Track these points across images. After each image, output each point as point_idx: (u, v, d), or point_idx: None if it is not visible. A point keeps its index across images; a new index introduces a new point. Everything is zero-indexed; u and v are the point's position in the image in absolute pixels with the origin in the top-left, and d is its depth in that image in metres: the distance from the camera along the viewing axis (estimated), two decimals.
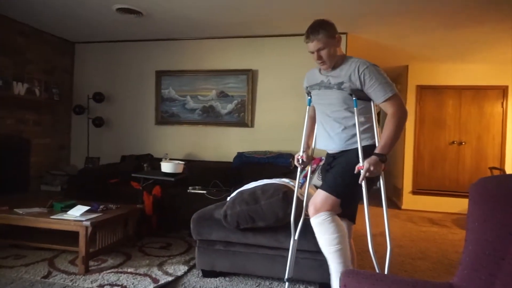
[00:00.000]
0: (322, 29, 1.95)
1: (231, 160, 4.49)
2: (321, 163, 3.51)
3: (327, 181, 2.02)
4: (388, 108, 1.92)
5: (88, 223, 2.58)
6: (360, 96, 1.96)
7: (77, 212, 2.77)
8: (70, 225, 2.63)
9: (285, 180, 2.74)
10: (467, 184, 5.69)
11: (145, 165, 4.27)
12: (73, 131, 5.24)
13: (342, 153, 2.04)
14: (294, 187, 2.64)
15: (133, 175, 3.56)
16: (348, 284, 1.31)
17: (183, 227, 3.74)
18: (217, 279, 2.66)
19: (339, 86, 1.99)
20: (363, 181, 1.88)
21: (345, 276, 1.35)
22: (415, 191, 5.85)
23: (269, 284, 2.59)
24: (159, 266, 2.83)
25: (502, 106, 5.65)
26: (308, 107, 2.30)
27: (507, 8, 3.47)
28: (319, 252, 2.43)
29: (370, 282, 1.32)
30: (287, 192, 2.41)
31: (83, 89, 5.12)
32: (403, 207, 5.87)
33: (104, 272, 2.66)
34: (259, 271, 2.60)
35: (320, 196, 1.98)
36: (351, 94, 1.96)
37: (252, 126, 4.67)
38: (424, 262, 3.22)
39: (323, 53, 1.96)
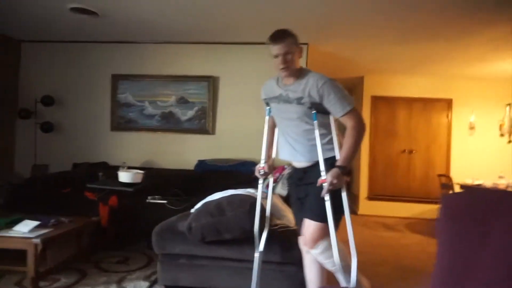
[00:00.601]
0: (288, 34, 1.95)
1: (192, 168, 4.38)
2: (285, 172, 3.54)
3: (311, 208, 1.98)
4: (347, 122, 1.95)
5: (37, 240, 2.36)
6: (319, 109, 1.97)
7: (25, 228, 2.54)
8: (17, 243, 2.40)
9: (250, 191, 2.71)
10: (417, 190, 6.01)
11: (100, 173, 4.02)
12: (18, 136, 4.84)
13: (312, 168, 2.02)
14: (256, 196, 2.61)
15: (88, 185, 3.33)
16: None
17: (141, 239, 3.58)
18: None
19: (299, 101, 1.99)
20: (327, 195, 1.88)
21: None
22: (370, 197, 6.07)
23: None
24: (117, 283, 2.67)
25: (447, 118, 6.05)
26: (267, 117, 2.27)
27: (459, 27, 3.71)
28: (285, 263, 2.44)
29: None
30: (254, 204, 2.37)
31: (30, 92, 4.75)
32: (359, 212, 6.07)
33: None
34: (225, 285, 2.53)
35: (312, 227, 1.96)
36: (310, 108, 1.96)
37: (213, 133, 4.60)
38: (383, 268, 3.33)
39: (289, 57, 1.93)
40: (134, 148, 4.66)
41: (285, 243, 2.43)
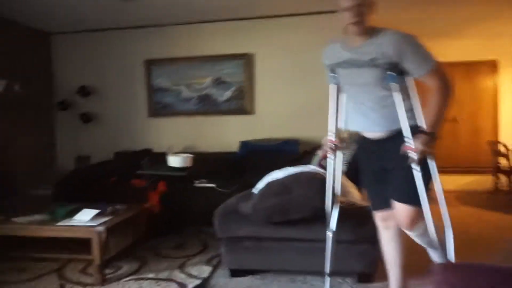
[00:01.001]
0: None
1: (232, 150, 4.28)
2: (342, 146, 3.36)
3: (401, 189, 1.81)
4: (432, 81, 1.74)
5: (101, 228, 2.32)
6: (396, 70, 1.77)
7: (85, 216, 2.51)
8: (81, 232, 2.37)
9: (311, 167, 2.57)
10: (464, 160, 5.74)
11: (142, 161, 3.97)
12: (58, 129, 4.85)
13: (390, 139, 1.85)
14: (325, 174, 2.48)
15: (138, 172, 3.28)
16: (449, 280, 1.16)
17: (193, 224, 3.53)
18: (247, 277, 2.49)
19: (373, 62, 1.78)
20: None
21: (443, 271, 1.20)
22: None
23: (304, 278, 2.44)
24: (180, 268, 2.62)
25: (493, 81, 5.70)
26: (331, 85, 2.06)
27: None
28: (356, 241, 2.31)
29: (470, 274, 1.18)
30: (323, 181, 2.24)
31: (66, 83, 4.72)
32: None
33: (123, 280, 2.43)
34: (293, 266, 2.45)
35: (407, 211, 1.81)
36: (387, 69, 1.77)
37: (252, 113, 4.46)
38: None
39: (363, 9, 1.72)
40: (173, 134, 4.59)
41: (355, 220, 2.30)
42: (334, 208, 2.06)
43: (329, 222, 2.05)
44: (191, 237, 3.30)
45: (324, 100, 4.14)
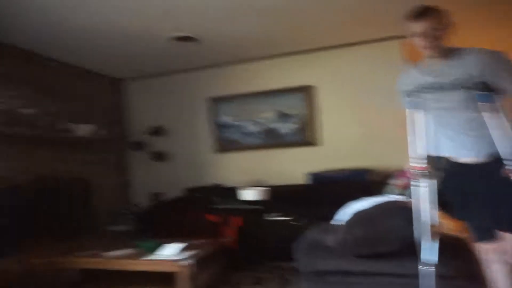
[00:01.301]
0: (436, 9, 1.72)
1: (299, 182, 4.25)
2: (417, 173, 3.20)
3: (510, 218, 1.69)
4: None
5: (190, 261, 2.37)
6: (486, 88, 1.67)
7: (169, 251, 2.58)
8: (168, 266, 2.43)
9: (394, 196, 2.47)
10: None
11: (214, 197, 4.06)
12: (133, 168, 5.16)
13: (485, 164, 1.73)
14: (408, 203, 2.36)
15: (215, 206, 3.35)
16: None
17: (267, 258, 3.48)
18: None
19: (457, 83, 1.71)
20: None
21: None
22: None
23: None
24: None
25: None
26: (408, 111, 1.99)
27: None
28: (449, 277, 2.13)
29: None
30: (409, 210, 2.13)
31: (138, 125, 5.07)
32: None
33: None
34: None
35: None
36: (475, 89, 1.67)
37: (317, 144, 4.43)
38: None
39: (435, 33, 1.68)
40: (239, 168, 4.68)
41: (452, 252, 2.13)
42: (432, 239, 1.92)
43: (419, 255, 1.90)
44: (268, 272, 3.25)
45: (392, 128, 4.08)
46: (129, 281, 2.77)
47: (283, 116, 4.54)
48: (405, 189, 3.19)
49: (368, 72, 4.23)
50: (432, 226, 1.94)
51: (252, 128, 4.65)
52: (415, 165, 1.95)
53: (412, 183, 1.97)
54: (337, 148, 4.35)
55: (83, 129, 4.16)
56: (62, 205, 3.91)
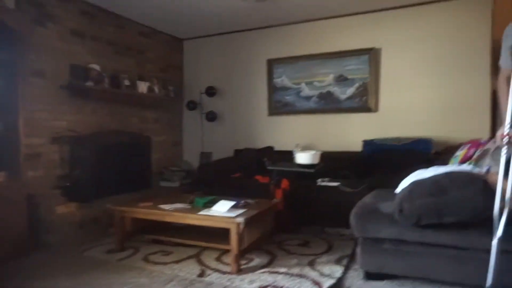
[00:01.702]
0: None
1: (353, 149, 4.11)
2: (486, 147, 2.94)
3: None
4: None
5: (241, 219, 2.38)
6: None
7: (223, 208, 2.61)
8: (221, 222, 2.47)
9: (465, 167, 2.27)
10: None
11: (265, 159, 4.04)
12: (185, 127, 5.28)
13: None
14: (481, 174, 2.16)
15: (269, 167, 3.33)
16: None
17: (315, 223, 3.45)
18: (384, 282, 2.30)
19: None
20: None
21: None
22: None
23: None
24: (310, 266, 2.55)
25: None
26: (506, 69, 1.76)
27: None
28: None
29: None
30: (485, 182, 1.94)
31: (194, 85, 5.12)
32: None
33: (258, 271, 2.46)
34: (441, 276, 2.17)
35: None
36: None
37: (376, 110, 4.20)
38: None
39: None
40: (293, 132, 4.60)
41: None
42: (504, 212, 1.75)
43: (496, 229, 1.76)
44: (315, 236, 3.22)
45: (462, 99, 3.75)
46: (185, 234, 2.87)
47: (343, 80, 4.33)
48: (475, 160, 2.95)
49: (440, 35, 3.86)
50: (504, 198, 1.76)
51: (308, 91, 4.50)
52: (506, 131, 1.75)
53: (500, 152, 1.77)
54: (397, 116, 4.10)
55: (143, 87, 4.27)
56: (127, 159, 4.13)
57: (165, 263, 2.61)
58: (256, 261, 2.65)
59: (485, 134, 3.55)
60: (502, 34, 2.19)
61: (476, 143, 3.03)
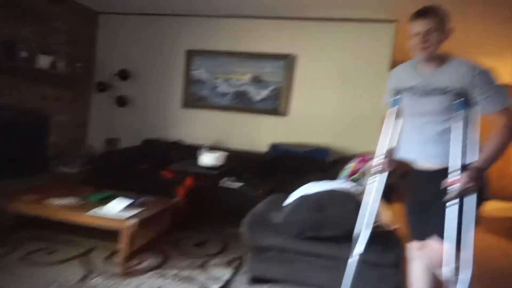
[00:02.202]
0: (439, 10, 1.68)
1: (261, 150, 4.25)
2: (366, 165, 3.26)
3: (442, 226, 1.69)
4: (500, 119, 1.66)
5: (133, 221, 2.34)
6: (466, 100, 1.68)
7: (116, 207, 2.53)
8: (113, 222, 2.40)
9: (346, 185, 2.50)
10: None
11: (173, 153, 4.00)
12: (93, 110, 4.94)
13: (443, 171, 1.74)
14: (357, 193, 2.41)
15: (171, 166, 3.29)
16: None
17: (215, 222, 3.53)
18: (266, 286, 2.46)
19: (442, 90, 1.70)
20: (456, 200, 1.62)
21: None
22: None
23: None
24: (201, 268, 2.62)
25: None
26: (392, 108, 1.96)
27: None
28: (380, 265, 2.25)
29: None
30: (358, 203, 2.17)
31: (107, 65, 4.78)
32: None
33: (147, 274, 2.44)
34: (314, 280, 2.40)
35: (443, 249, 1.69)
36: (456, 97, 1.66)
37: (286, 115, 4.39)
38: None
39: (434, 35, 1.65)
40: (204, 127, 4.59)
41: (383, 243, 2.24)
42: (366, 230, 1.97)
43: (354, 246, 1.94)
44: (213, 235, 3.30)
45: (361, 113, 4.09)
46: (75, 230, 2.72)
47: (259, 82, 4.42)
48: (360, 174, 3.27)
49: (351, 52, 4.15)
50: (375, 218, 1.99)
51: (224, 88, 4.51)
52: (379, 161, 1.94)
53: (369, 178, 1.98)
54: (304, 122, 4.33)
55: (45, 61, 3.87)
56: (17, 140, 3.72)
57: (46, 264, 2.45)
58: (148, 262, 2.64)
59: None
60: (401, 57, 2.42)
61: (364, 158, 3.37)
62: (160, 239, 2.97)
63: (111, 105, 4.72)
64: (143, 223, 2.45)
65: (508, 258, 3.53)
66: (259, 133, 4.44)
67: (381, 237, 2.29)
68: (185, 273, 2.52)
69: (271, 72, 4.37)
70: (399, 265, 2.27)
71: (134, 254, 2.54)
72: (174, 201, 2.99)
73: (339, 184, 2.48)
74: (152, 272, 2.48)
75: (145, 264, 2.60)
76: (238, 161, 4.04)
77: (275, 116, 4.40)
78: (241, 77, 4.44)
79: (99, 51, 4.87)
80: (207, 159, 3.09)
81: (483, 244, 3.99)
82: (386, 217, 2.59)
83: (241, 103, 4.47)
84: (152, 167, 3.86)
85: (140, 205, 2.67)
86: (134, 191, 2.98)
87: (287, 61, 4.31)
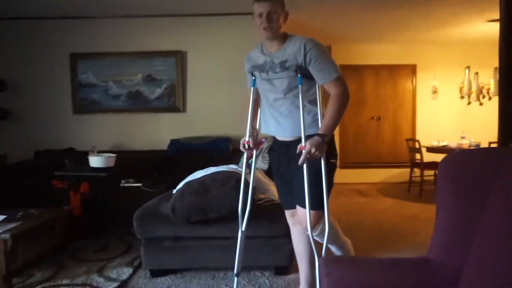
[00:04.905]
0: None
1: (164, 148, 4.23)
2: (264, 146, 3.48)
3: (303, 194, 1.84)
4: (332, 89, 1.86)
5: (6, 235, 2.18)
6: (305, 74, 1.87)
7: None
8: None
9: (233, 167, 2.64)
10: (387, 155, 6.20)
11: (66, 161, 3.78)
12: None
13: (295, 142, 1.93)
14: (240, 173, 2.55)
15: (56, 173, 3.12)
16: (331, 273, 1.27)
17: (118, 226, 3.44)
18: (168, 277, 2.50)
19: (283, 65, 1.87)
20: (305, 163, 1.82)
21: (327, 264, 1.31)
22: (342, 166, 6.17)
23: (224, 274, 2.51)
24: (98, 272, 2.55)
25: (412, 83, 6.20)
26: (252, 88, 2.11)
27: None
28: (272, 236, 2.42)
29: (352, 267, 1.31)
30: (239, 180, 2.30)
31: None
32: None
33: None
34: (213, 264, 2.50)
35: (305, 215, 1.85)
36: (296, 71, 1.85)
37: (184, 111, 4.42)
38: (361, 233, 3.41)
39: (275, 17, 1.81)
40: (100, 131, 4.41)
41: (271, 216, 2.41)
42: (247, 207, 2.08)
43: (240, 222, 2.04)
44: (116, 239, 3.22)
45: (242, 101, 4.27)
46: None
47: (151, 80, 4.39)
48: (256, 157, 3.45)
49: (233, 44, 4.30)
50: (249, 194, 2.10)
51: (116, 90, 4.38)
52: (246, 139, 2.07)
53: (264, 154, 2.11)
54: (203, 116, 4.42)
55: None
56: None
57: None
58: (37, 276, 2.49)
59: None
60: None
61: (260, 142, 3.56)
62: (56, 251, 2.81)
63: None
64: (23, 237, 2.30)
65: (399, 217, 4.03)
66: (158, 132, 4.41)
67: (269, 210, 2.47)
68: (80, 279, 2.44)
69: (163, 70, 4.36)
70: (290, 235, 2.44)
71: (19, 270, 2.38)
72: (63, 210, 2.84)
73: (225, 167, 2.60)
74: (39, 286, 2.34)
75: (33, 279, 2.45)
76: (138, 161, 3.99)
77: (174, 113, 4.41)
78: (133, 77, 4.36)
79: None
80: (96, 161, 2.99)
81: (381, 206, 4.54)
82: (273, 191, 2.78)
83: (136, 103, 4.39)
84: (43, 179, 3.61)
85: (20, 219, 2.50)
86: (25, 207, 2.76)
87: (178, 57, 4.34)
